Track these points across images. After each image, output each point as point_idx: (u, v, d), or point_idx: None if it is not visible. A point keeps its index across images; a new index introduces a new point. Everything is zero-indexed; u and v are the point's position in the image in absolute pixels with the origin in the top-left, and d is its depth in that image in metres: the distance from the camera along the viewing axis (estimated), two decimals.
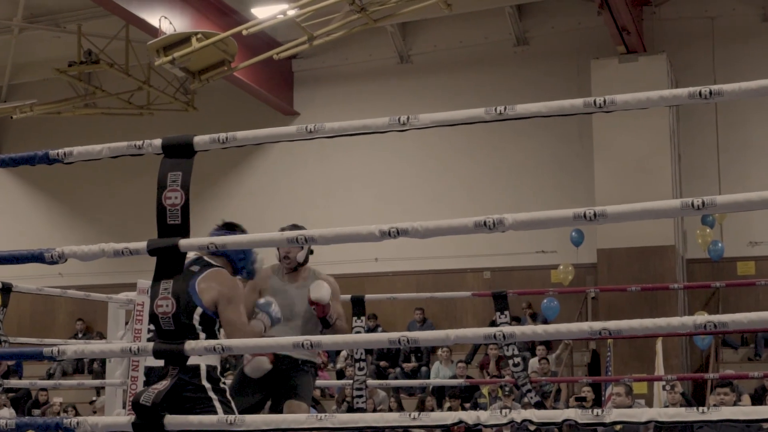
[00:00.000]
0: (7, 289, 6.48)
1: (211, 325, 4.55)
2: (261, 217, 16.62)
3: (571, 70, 15.46)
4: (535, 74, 15.78)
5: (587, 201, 14.10)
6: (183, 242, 3.09)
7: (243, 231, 4.94)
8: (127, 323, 7.93)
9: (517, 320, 14.00)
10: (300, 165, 16.94)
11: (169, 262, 3.10)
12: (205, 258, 4.72)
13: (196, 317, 4.50)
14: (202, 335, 4.47)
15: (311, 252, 5.89)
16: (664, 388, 10.96)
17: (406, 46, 16.71)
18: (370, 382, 8.19)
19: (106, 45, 15.17)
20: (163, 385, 3.05)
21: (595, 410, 2.63)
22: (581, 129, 14.97)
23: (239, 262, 4.87)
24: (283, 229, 5.50)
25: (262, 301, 5.01)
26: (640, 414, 2.63)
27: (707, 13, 15.14)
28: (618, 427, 8.56)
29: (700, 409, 2.57)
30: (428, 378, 14.30)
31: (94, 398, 14.64)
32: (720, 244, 14.11)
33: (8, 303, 6.48)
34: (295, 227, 5.58)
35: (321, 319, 5.64)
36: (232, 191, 17.29)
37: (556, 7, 15.72)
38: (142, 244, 3.13)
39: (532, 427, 2.92)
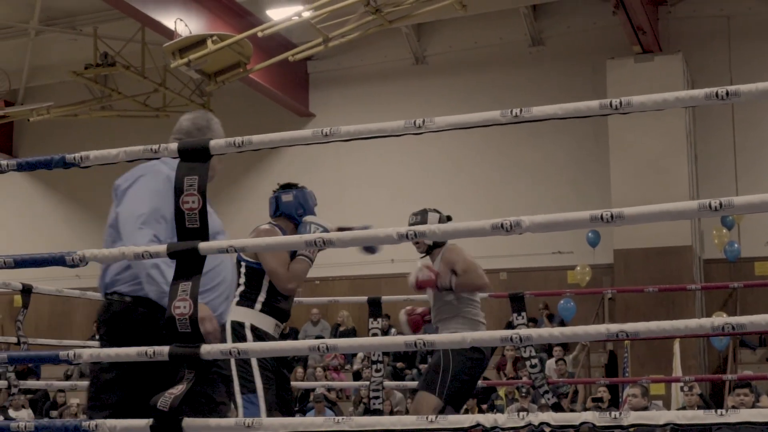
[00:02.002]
0: (27, 290, 6.52)
1: (256, 277, 5.00)
2: None
3: (587, 70, 15.42)
4: (551, 74, 15.75)
5: (603, 202, 14.06)
6: (202, 245, 3.11)
7: (301, 188, 5.37)
8: None
9: (533, 321, 13.97)
10: (315, 166, 16.95)
11: (188, 265, 3.11)
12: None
13: (241, 271, 5.01)
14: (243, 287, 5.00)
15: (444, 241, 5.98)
16: (681, 389, 10.94)
17: (421, 47, 16.71)
18: (387, 383, 8.19)
19: (122, 47, 15.22)
20: (179, 389, 3.05)
21: (613, 413, 2.63)
22: (597, 129, 14.92)
23: (298, 217, 5.22)
24: (415, 214, 6.11)
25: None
26: (658, 416, 2.63)
27: (723, 12, 15.08)
28: (632, 429, 8.55)
29: (719, 411, 2.56)
30: None
31: None
32: (736, 245, 14.06)
33: (29, 304, 6.51)
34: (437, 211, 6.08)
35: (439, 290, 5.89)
36: (248, 193, 17.29)
37: (572, 7, 15.68)
38: (162, 248, 3.14)
39: (548, 430, 2.92)
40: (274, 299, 5.02)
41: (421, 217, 6.05)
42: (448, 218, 6.09)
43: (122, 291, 3.78)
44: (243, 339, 4.88)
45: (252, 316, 4.97)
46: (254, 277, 5.03)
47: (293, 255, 5.02)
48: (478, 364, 5.73)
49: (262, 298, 5.00)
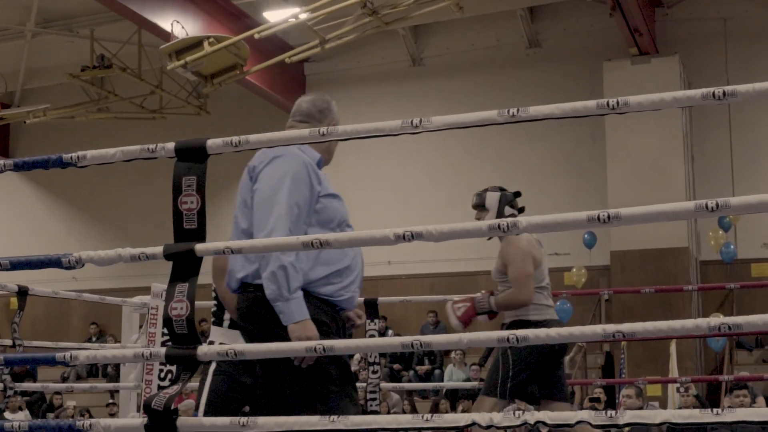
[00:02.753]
0: (23, 292, 6.50)
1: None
2: None
3: (584, 72, 15.44)
4: (548, 76, 15.76)
5: (600, 203, 14.07)
6: (199, 247, 3.10)
7: None
8: (141, 327, 7.96)
9: None
10: None
11: (185, 266, 3.11)
12: None
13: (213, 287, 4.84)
14: None
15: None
16: (678, 390, 10.95)
17: (418, 49, 16.72)
18: (384, 385, 8.19)
19: (119, 49, 15.22)
20: (174, 389, 3.05)
21: (609, 412, 2.63)
22: (594, 131, 14.93)
23: None
24: (477, 194, 5.74)
25: None
26: (654, 416, 2.63)
27: (720, 14, 15.10)
28: (626, 428, 8.54)
29: (715, 410, 2.56)
30: (442, 381, 14.29)
31: (110, 401, 14.68)
32: (732, 246, 14.06)
33: (25, 306, 6.50)
34: (501, 189, 5.76)
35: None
36: None
37: (568, 9, 15.69)
38: (159, 249, 3.13)
39: (545, 429, 2.93)
40: None
41: (479, 197, 5.78)
42: (516, 194, 5.79)
43: (258, 282, 3.63)
44: None
45: (221, 335, 4.79)
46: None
47: None
48: (542, 353, 5.43)
49: (227, 315, 4.83)
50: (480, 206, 5.74)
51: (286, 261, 3.49)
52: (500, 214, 5.66)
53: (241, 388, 4.78)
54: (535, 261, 5.66)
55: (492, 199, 5.73)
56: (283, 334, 3.49)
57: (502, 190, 5.77)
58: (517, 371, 5.43)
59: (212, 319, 4.91)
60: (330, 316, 3.67)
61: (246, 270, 3.65)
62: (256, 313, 3.64)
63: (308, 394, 3.60)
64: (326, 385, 3.60)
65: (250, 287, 3.66)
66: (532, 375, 5.50)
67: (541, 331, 2.95)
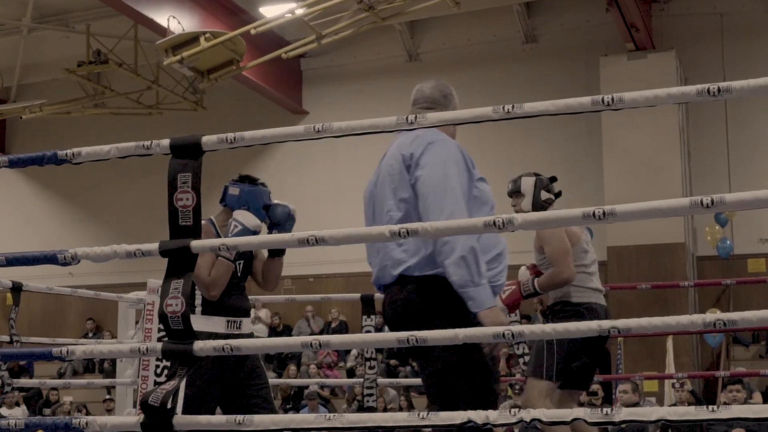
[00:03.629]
0: (17, 288, 6.49)
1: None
2: None
3: (580, 68, 15.43)
4: (544, 72, 15.75)
5: (596, 199, 14.07)
6: (195, 243, 3.09)
7: (263, 184, 5.09)
8: (137, 323, 7.95)
9: (527, 318, 13.98)
10: (308, 164, 16.93)
11: (180, 263, 3.10)
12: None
13: None
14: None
15: (545, 205, 5.59)
16: (672, 386, 10.96)
17: (415, 45, 16.70)
18: (381, 380, 8.18)
19: (115, 45, 15.20)
20: (171, 385, 3.04)
21: (605, 409, 2.63)
22: (590, 127, 14.93)
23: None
24: (513, 180, 5.64)
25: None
26: (650, 413, 2.62)
27: (716, 10, 15.10)
28: (624, 425, 8.55)
29: (710, 407, 2.55)
30: None
31: (107, 396, 14.69)
32: (728, 242, 14.08)
33: (19, 302, 6.48)
34: (536, 174, 5.66)
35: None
36: None
37: (565, 5, 15.69)
38: (154, 246, 3.13)
39: (541, 426, 2.93)
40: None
41: (514, 184, 5.67)
42: (552, 179, 5.69)
43: (419, 274, 3.55)
44: None
45: (194, 322, 4.73)
46: None
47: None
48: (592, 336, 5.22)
49: (199, 300, 4.75)
50: (516, 192, 5.64)
51: (476, 244, 3.42)
52: (537, 199, 5.57)
53: (222, 384, 4.72)
54: (574, 237, 5.52)
55: (527, 184, 5.64)
56: (455, 324, 3.21)
57: (536, 175, 5.68)
58: (566, 351, 5.31)
59: None
60: None
61: (408, 262, 3.59)
62: (432, 306, 3.56)
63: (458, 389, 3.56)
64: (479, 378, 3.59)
65: (410, 279, 3.59)
66: (585, 359, 5.39)
67: (537, 327, 2.94)
